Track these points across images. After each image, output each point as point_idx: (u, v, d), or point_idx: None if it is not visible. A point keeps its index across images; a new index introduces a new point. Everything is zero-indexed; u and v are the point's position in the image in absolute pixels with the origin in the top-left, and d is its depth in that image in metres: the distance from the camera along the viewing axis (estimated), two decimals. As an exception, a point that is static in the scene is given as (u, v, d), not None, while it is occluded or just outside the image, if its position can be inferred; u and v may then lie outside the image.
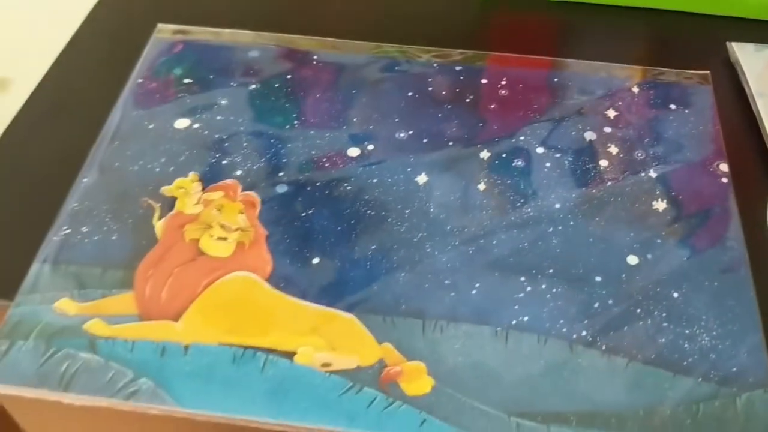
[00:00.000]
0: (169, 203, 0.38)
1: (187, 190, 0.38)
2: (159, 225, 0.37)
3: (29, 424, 0.37)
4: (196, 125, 0.41)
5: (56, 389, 0.31)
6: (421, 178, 0.39)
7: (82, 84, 0.45)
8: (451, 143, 0.41)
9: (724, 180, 0.39)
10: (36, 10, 0.80)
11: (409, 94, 0.43)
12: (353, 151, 0.40)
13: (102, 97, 0.43)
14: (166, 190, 0.38)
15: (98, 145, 0.40)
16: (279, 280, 0.35)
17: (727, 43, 0.47)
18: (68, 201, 0.38)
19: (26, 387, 0.31)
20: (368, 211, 0.38)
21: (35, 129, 0.42)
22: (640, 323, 0.34)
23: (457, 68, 0.45)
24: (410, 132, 0.41)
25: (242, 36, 0.47)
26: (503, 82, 0.44)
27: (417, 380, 0.32)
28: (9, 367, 0.32)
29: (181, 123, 0.41)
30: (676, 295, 0.35)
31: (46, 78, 0.45)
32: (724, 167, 0.40)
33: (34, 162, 0.41)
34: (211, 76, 0.44)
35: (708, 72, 0.45)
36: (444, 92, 0.44)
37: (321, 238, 0.36)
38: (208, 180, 0.39)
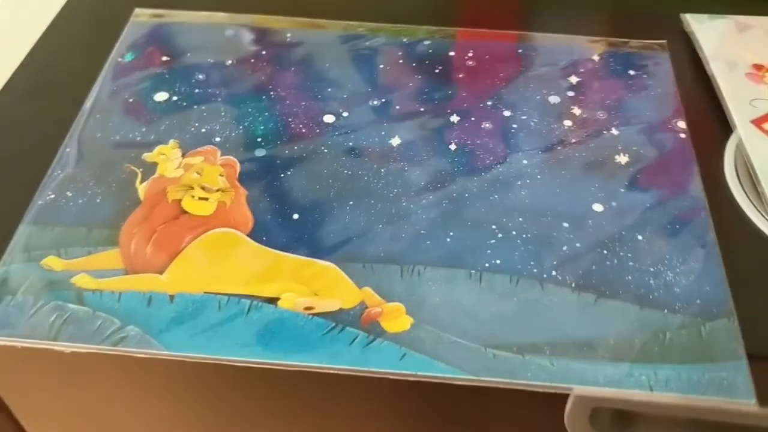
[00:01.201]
0: (151, 169, 0.39)
1: (167, 156, 0.39)
2: (142, 188, 0.38)
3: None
4: (174, 98, 0.43)
5: (45, 338, 0.32)
6: (395, 140, 0.41)
7: (62, 64, 0.46)
8: (422, 109, 0.43)
9: (683, 135, 0.41)
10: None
11: (381, 66, 0.45)
12: (328, 118, 0.42)
13: (82, 76, 0.44)
14: (148, 156, 0.39)
15: (80, 117, 0.41)
16: (260, 235, 0.36)
17: (682, 14, 0.49)
18: (52, 168, 0.39)
19: (16, 338, 0.32)
20: (345, 171, 0.39)
21: (18, 105, 0.43)
22: (607, 263, 0.35)
23: (426, 42, 0.47)
24: (383, 100, 0.43)
25: (217, 18, 0.48)
26: (470, 54, 0.46)
27: (396, 319, 0.33)
28: (-2, 320, 0.33)
29: (161, 96, 0.43)
30: (640, 237, 0.36)
31: (27, 58, 0.46)
32: (681, 124, 0.42)
33: (17, 134, 0.42)
34: (188, 54, 0.45)
35: (665, 41, 0.47)
36: (414, 64, 0.45)
37: (300, 196, 0.38)
38: (188, 147, 0.40)
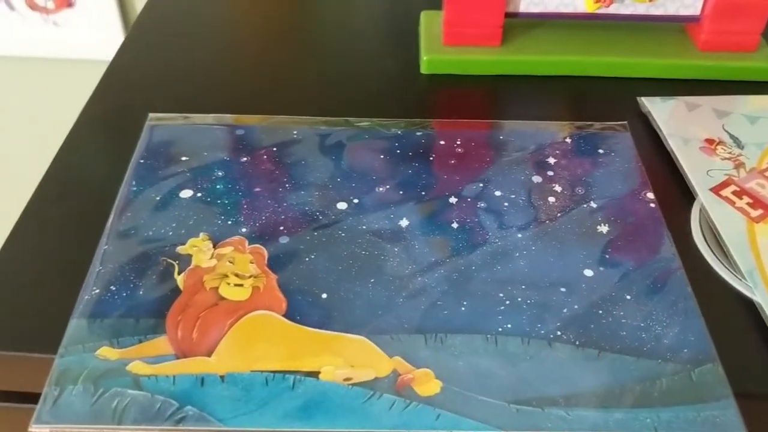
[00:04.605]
0: (186, 260, 0.42)
1: (200, 248, 0.43)
2: (180, 278, 0.41)
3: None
4: (199, 194, 0.47)
5: (110, 423, 0.35)
6: (403, 222, 0.45)
7: (87, 168, 0.50)
8: (423, 193, 0.48)
9: (652, 205, 0.47)
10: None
11: (381, 156, 0.50)
12: (342, 205, 0.46)
13: (108, 177, 0.48)
14: (182, 248, 0.43)
15: (112, 216, 0.45)
16: (295, 315, 0.40)
17: (638, 98, 0.56)
18: (93, 265, 0.42)
19: (83, 424, 0.35)
20: (363, 252, 0.43)
21: (51, 207, 0.46)
22: (603, 321, 0.40)
23: (418, 133, 0.52)
24: (387, 186, 0.48)
25: (226, 119, 0.53)
26: (458, 142, 0.52)
27: (427, 383, 0.37)
28: (64, 409, 0.35)
29: (186, 193, 0.47)
30: (628, 297, 0.42)
31: (54, 164, 0.49)
32: (650, 195, 0.48)
33: (55, 234, 0.45)
34: (205, 153, 0.50)
35: (625, 122, 0.54)
36: (410, 153, 0.51)
37: (326, 277, 0.42)
38: (217, 238, 0.44)
